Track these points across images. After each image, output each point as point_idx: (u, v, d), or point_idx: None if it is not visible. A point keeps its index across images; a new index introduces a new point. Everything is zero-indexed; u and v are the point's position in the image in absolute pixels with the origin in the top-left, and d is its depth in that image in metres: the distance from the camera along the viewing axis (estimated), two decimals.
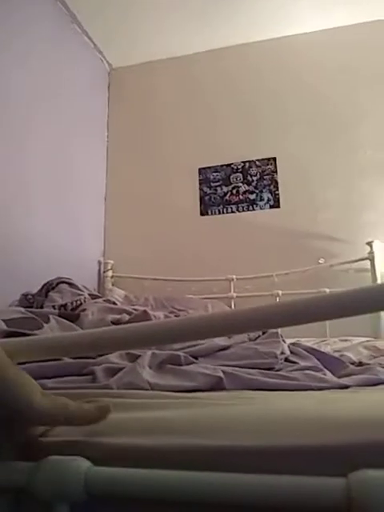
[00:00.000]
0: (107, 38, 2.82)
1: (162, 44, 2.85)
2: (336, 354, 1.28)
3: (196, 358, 0.97)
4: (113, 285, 2.62)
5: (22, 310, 1.05)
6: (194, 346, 1.03)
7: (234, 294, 2.42)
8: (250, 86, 2.77)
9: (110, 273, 2.65)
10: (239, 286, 2.43)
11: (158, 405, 0.60)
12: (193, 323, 0.50)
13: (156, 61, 2.97)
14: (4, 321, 0.96)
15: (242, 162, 2.66)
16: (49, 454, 0.48)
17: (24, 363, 0.82)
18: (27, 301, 1.54)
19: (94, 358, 0.88)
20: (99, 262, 2.72)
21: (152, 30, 2.72)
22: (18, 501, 0.48)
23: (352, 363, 1.22)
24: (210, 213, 2.66)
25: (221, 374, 0.81)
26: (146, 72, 2.99)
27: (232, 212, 2.62)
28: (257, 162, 2.63)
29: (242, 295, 2.37)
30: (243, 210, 2.60)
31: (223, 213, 2.63)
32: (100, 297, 1.51)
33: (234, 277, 2.44)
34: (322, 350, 1.27)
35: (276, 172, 2.60)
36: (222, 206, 2.64)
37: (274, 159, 2.61)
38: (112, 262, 2.67)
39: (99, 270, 2.70)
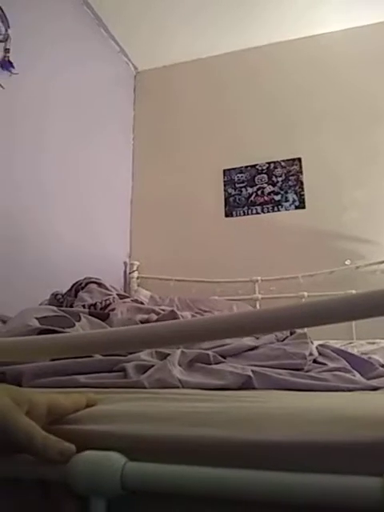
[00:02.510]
0: (132, 41, 2.86)
1: (186, 46, 2.87)
2: (364, 357, 1.27)
3: (224, 357, 0.97)
4: (138, 286, 2.65)
5: (55, 308, 1.08)
6: (222, 345, 1.04)
7: (259, 296, 2.41)
8: (274, 87, 2.76)
9: (135, 274, 2.68)
10: (264, 287, 2.42)
11: (191, 399, 0.61)
12: (219, 322, 0.51)
13: (181, 63, 2.99)
14: (37, 319, 0.99)
15: (267, 162, 2.66)
16: (83, 445, 0.49)
17: (59, 359, 0.85)
18: (57, 300, 1.57)
19: (125, 356, 0.90)
20: (125, 263, 2.75)
21: (177, 33, 2.75)
22: (53, 492, 0.50)
23: (381, 366, 1.20)
24: (234, 214, 2.66)
25: (250, 373, 0.81)
26: (171, 74, 3.02)
27: (257, 213, 2.61)
28: (282, 163, 2.63)
29: (266, 297, 2.37)
30: (268, 212, 2.59)
31: (248, 214, 2.63)
32: (128, 297, 1.53)
33: (259, 278, 2.44)
34: (351, 352, 1.25)
35: (301, 172, 2.58)
36: (246, 208, 2.64)
37: (299, 159, 2.60)
38: (138, 263, 2.70)
39: (125, 271, 2.74)
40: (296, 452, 0.46)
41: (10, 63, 1.95)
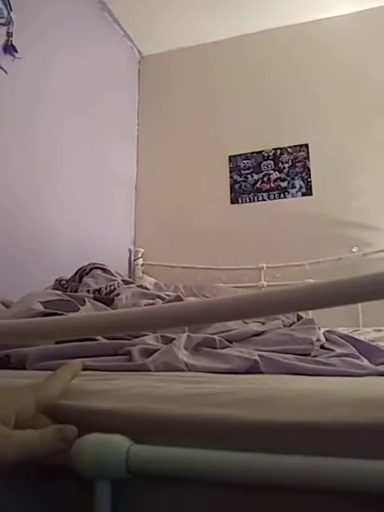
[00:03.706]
0: (137, 26, 2.82)
1: (192, 30, 2.82)
2: (372, 343, 1.25)
3: (230, 342, 0.96)
4: (143, 273, 2.64)
5: (59, 292, 1.07)
6: (228, 331, 1.02)
7: (265, 283, 2.39)
8: (281, 72, 2.72)
9: (140, 261, 2.67)
10: (270, 274, 2.40)
11: (197, 381, 0.60)
12: (221, 304, 0.49)
13: (186, 47, 2.95)
14: (41, 303, 0.98)
15: (274, 148, 2.62)
16: (88, 424, 0.48)
17: (63, 343, 0.84)
18: (61, 286, 1.56)
19: (129, 340, 0.89)
20: (130, 250, 2.74)
21: (182, 17, 2.70)
22: (57, 476, 0.49)
23: None
24: (240, 201, 2.63)
25: (257, 357, 0.80)
26: (176, 59, 2.98)
27: (263, 200, 2.59)
28: (288, 149, 2.59)
29: (272, 284, 2.35)
30: (274, 198, 2.57)
31: (254, 201, 2.60)
32: (133, 283, 1.52)
33: (265, 265, 2.42)
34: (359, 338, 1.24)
35: (308, 159, 2.54)
36: (252, 194, 2.61)
37: (307, 146, 2.56)
38: (142, 250, 2.69)
39: (130, 258, 2.73)
40: (308, 433, 0.45)
41: (14, 47, 1.92)
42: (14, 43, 1.91)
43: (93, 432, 0.47)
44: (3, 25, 1.91)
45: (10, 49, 1.91)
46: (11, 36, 1.92)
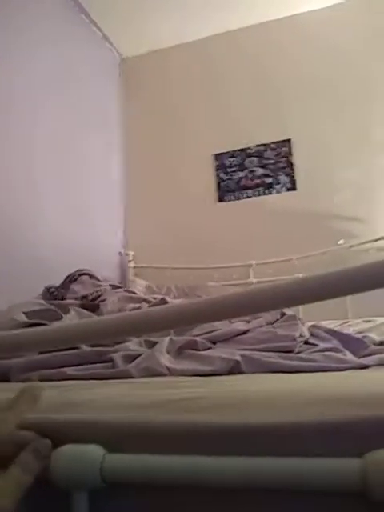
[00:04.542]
0: (116, 28, 2.81)
1: (172, 30, 2.82)
2: (359, 336, 1.27)
3: (214, 342, 0.97)
4: (135, 275, 2.64)
5: (43, 301, 1.08)
6: (212, 331, 1.03)
7: (254, 280, 2.41)
8: (263, 68, 2.72)
9: (131, 264, 2.67)
10: (259, 271, 2.41)
11: (174, 386, 0.61)
12: (208, 304, 0.49)
13: (167, 48, 2.94)
14: (25, 313, 0.99)
15: (257, 145, 2.63)
16: (65, 436, 0.49)
17: (45, 352, 0.85)
18: (50, 294, 1.56)
19: (112, 346, 0.89)
20: (120, 254, 2.74)
21: (162, 17, 2.69)
22: (35, 488, 0.49)
23: (375, 344, 1.20)
24: (226, 199, 2.64)
25: (238, 358, 0.81)
26: (158, 60, 2.97)
27: (248, 197, 2.60)
28: (272, 145, 2.60)
29: (262, 280, 2.36)
30: (260, 195, 2.58)
31: (240, 198, 2.61)
32: (121, 287, 1.53)
33: (254, 262, 2.43)
34: (344, 331, 1.25)
35: (291, 154, 2.55)
36: (238, 192, 2.62)
37: (289, 141, 2.57)
38: (132, 253, 2.69)
39: (121, 262, 2.73)
40: (276, 435, 0.45)
41: None
42: None
43: (69, 443, 0.48)
44: None
45: None
46: None
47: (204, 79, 2.84)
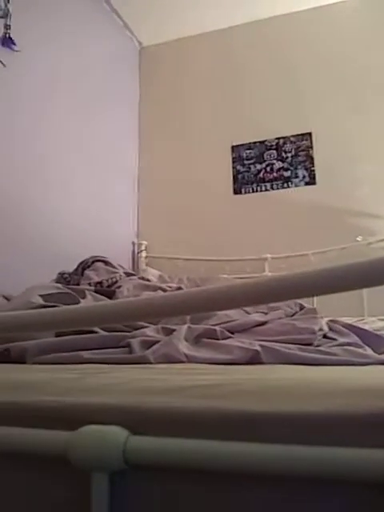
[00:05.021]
0: (137, 16, 2.79)
1: (193, 20, 2.79)
2: (375, 332, 1.24)
3: (232, 333, 0.95)
4: (146, 265, 2.64)
5: (60, 285, 1.07)
6: (230, 321, 1.02)
7: (269, 274, 2.38)
8: (284, 61, 2.68)
9: (143, 253, 2.66)
10: (274, 265, 2.39)
11: (196, 372, 0.59)
12: (223, 291, 0.48)
13: (187, 37, 2.91)
14: (41, 296, 0.98)
15: (276, 138, 2.59)
16: (86, 419, 0.48)
17: (63, 334, 0.84)
18: (64, 279, 1.56)
19: (129, 331, 0.88)
20: (133, 243, 2.73)
21: (183, 6, 2.66)
22: (55, 470, 0.49)
23: None
24: (243, 191, 2.61)
25: (258, 348, 0.79)
26: (178, 49, 2.94)
27: (266, 190, 2.57)
28: (291, 138, 2.56)
29: (276, 275, 2.33)
30: (278, 188, 2.54)
31: (257, 191, 2.58)
32: (135, 275, 1.52)
33: (269, 256, 2.40)
34: (363, 327, 1.23)
35: (311, 148, 2.51)
36: (255, 184, 2.59)
37: (310, 134, 2.53)
38: (146, 242, 2.68)
39: (133, 251, 2.72)
40: (306, 423, 0.44)
41: (11, 40, 1.90)
42: (11, 36, 1.89)
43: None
44: (1, 17, 1.89)
45: (8, 42, 1.90)
46: (9, 29, 1.90)
47: (224, 69, 2.81)
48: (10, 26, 1.91)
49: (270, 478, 0.42)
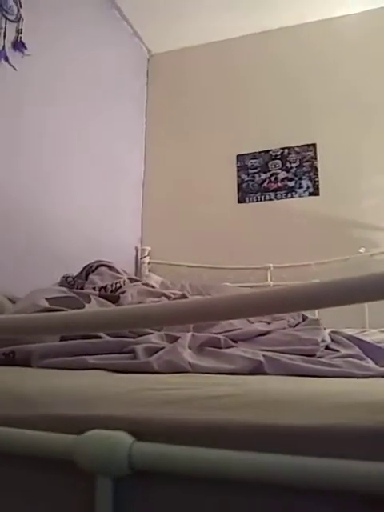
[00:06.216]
0: (146, 24, 2.81)
1: (201, 29, 2.81)
2: (377, 344, 1.24)
3: (235, 342, 0.96)
4: (149, 271, 2.64)
5: (65, 289, 1.08)
6: (232, 330, 1.02)
7: (271, 283, 2.39)
8: (290, 71, 2.70)
9: (147, 259, 2.67)
10: (276, 274, 2.39)
11: (200, 383, 0.60)
12: (228, 301, 0.48)
13: (195, 46, 2.94)
14: (47, 299, 0.99)
15: (281, 148, 2.61)
16: (92, 427, 0.48)
17: (68, 339, 0.84)
18: (68, 283, 1.56)
19: (134, 338, 0.89)
20: (136, 249, 2.74)
21: (192, 16, 2.69)
22: (60, 472, 0.49)
23: None
24: (247, 200, 2.63)
25: (261, 358, 0.80)
26: (185, 57, 2.97)
27: (270, 199, 2.58)
28: (296, 149, 2.58)
29: (279, 284, 2.34)
30: (281, 198, 2.56)
31: (261, 200, 2.59)
32: (139, 280, 1.53)
33: (271, 265, 2.41)
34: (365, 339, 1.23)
35: (316, 158, 2.53)
36: (259, 194, 2.60)
37: (314, 145, 2.54)
38: (149, 248, 2.69)
39: (136, 257, 2.73)
40: (312, 436, 0.44)
41: (23, 44, 1.93)
42: (23, 40, 1.92)
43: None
44: (13, 22, 1.91)
45: (19, 45, 1.92)
46: (21, 33, 1.93)
47: (231, 79, 2.83)
48: (21, 30, 1.93)
49: (276, 487, 0.43)
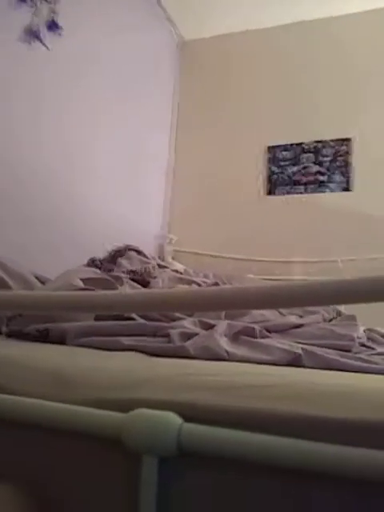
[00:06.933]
0: (181, 10, 2.77)
1: (238, 16, 2.76)
2: None
3: (269, 332, 0.94)
4: (173, 258, 2.63)
5: (97, 271, 1.07)
6: (266, 321, 1.00)
7: (296, 277, 2.35)
8: (327, 62, 2.63)
9: (171, 247, 2.66)
10: (302, 269, 2.36)
11: (245, 372, 0.59)
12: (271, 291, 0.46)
13: (230, 34, 2.88)
14: (81, 280, 0.98)
15: (315, 141, 2.55)
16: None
17: (102, 319, 0.84)
18: (95, 266, 1.56)
19: (167, 322, 0.88)
20: (160, 236, 2.73)
21: (229, 3, 2.64)
22: (107, 450, 0.48)
23: None
24: (277, 193, 2.59)
25: (299, 351, 0.78)
26: (220, 45, 2.92)
27: (300, 193, 2.53)
28: (330, 143, 2.52)
29: (304, 278, 2.31)
30: (312, 192, 2.51)
31: (291, 193, 2.55)
32: (167, 267, 1.52)
33: (297, 259, 2.37)
34: None
35: (350, 154, 2.47)
36: (290, 186, 2.56)
37: (349, 140, 2.48)
38: (175, 237, 2.68)
39: (160, 244, 2.72)
40: (366, 431, 0.43)
41: (56, 24, 1.92)
42: (57, 21, 1.91)
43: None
44: (48, 2, 1.91)
45: (53, 26, 1.91)
46: (55, 13, 1.92)
47: (266, 69, 2.77)
48: (56, 10, 1.92)
49: (321, 474, 0.42)
